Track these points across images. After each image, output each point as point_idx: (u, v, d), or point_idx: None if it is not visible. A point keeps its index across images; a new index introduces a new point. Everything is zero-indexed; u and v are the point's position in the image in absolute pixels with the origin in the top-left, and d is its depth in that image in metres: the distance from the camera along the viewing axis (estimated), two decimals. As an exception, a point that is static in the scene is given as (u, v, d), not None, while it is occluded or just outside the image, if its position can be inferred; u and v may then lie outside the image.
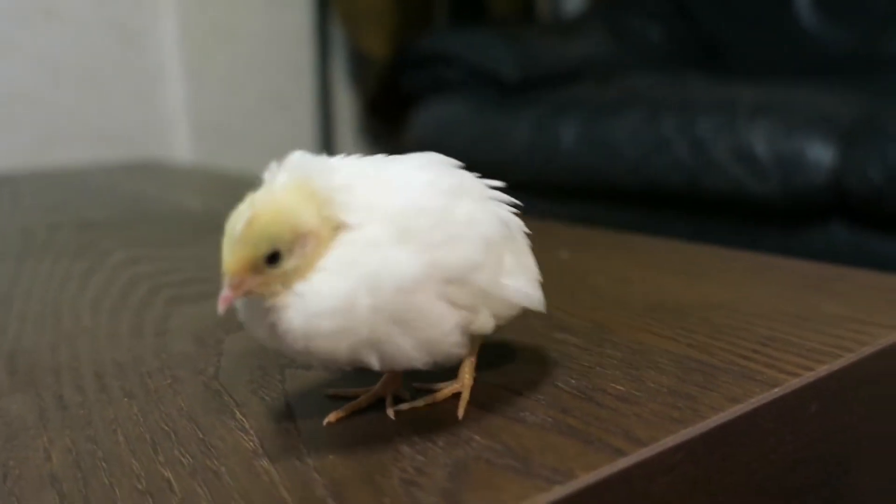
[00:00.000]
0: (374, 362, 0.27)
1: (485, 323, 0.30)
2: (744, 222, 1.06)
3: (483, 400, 0.32)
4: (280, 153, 0.30)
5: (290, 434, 0.30)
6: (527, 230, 0.33)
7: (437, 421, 0.30)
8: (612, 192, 1.17)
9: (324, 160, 0.29)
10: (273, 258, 0.26)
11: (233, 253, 0.26)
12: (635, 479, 0.27)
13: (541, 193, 1.26)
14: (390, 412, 0.30)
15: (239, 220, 0.26)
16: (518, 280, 0.31)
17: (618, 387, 0.32)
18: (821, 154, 0.98)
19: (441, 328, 0.28)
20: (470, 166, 0.33)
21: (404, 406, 0.31)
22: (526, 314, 0.32)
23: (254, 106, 1.72)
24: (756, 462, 0.31)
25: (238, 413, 0.32)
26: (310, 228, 0.26)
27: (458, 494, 0.25)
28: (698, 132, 1.09)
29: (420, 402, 0.31)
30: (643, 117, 1.15)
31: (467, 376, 0.32)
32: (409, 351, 0.27)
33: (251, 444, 0.29)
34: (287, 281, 0.26)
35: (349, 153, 0.31)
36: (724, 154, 1.05)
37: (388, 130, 1.73)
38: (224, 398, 0.33)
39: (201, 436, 0.30)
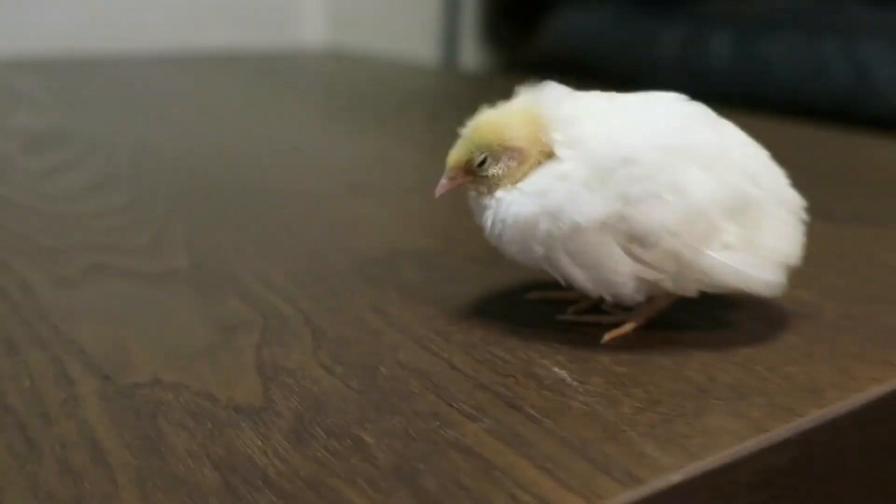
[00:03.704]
0: (557, 277, 0.30)
1: (679, 286, 0.30)
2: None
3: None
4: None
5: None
6: (804, 213, 0.31)
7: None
8: (764, 110, 1.16)
9: (568, 94, 0.31)
10: (482, 163, 0.30)
11: (454, 152, 0.31)
12: None
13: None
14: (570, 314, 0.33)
15: (467, 127, 0.31)
16: (735, 257, 0.29)
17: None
18: None
19: (615, 273, 0.29)
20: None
21: (569, 316, 0.33)
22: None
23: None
24: None
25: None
26: (517, 146, 0.30)
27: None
28: (860, 56, 1.06)
29: (588, 318, 0.32)
30: (801, 38, 1.13)
31: (639, 317, 0.32)
32: (581, 281, 0.30)
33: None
34: (491, 185, 0.30)
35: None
36: (888, 80, 1.03)
37: (518, 35, 1.71)
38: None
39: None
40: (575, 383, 0.28)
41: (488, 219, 0.30)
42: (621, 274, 0.29)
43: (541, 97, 0.31)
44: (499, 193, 0.30)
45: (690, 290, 0.30)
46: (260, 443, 0.25)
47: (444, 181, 0.31)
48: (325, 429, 0.25)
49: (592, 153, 0.29)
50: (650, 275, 0.29)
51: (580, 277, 0.29)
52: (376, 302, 0.35)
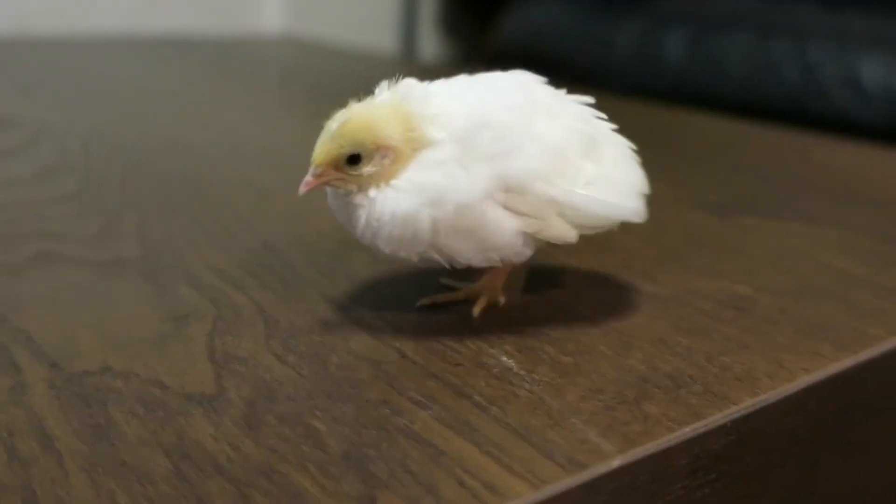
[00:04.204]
0: (439, 260, 0.31)
1: (561, 231, 0.31)
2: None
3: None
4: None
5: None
6: (632, 145, 0.34)
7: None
8: (717, 108, 1.19)
9: (425, 88, 0.31)
10: (353, 160, 0.29)
11: (322, 147, 0.30)
12: None
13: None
14: (476, 310, 0.33)
15: (334, 122, 0.30)
16: (602, 190, 0.31)
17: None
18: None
19: (501, 235, 0.30)
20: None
21: (426, 301, 0.34)
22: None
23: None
24: None
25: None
26: (391, 144, 0.29)
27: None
28: (808, 57, 1.09)
29: (440, 298, 0.34)
30: (754, 38, 1.16)
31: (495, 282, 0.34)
32: (469, 256, 0.30)
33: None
34: (362, 184, 0.30)
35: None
36: (834, 82, 1.06)
37: (477, 26, 1.72)
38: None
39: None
40: (522, 372, 0.29)
41: (360, 218, 0.30)
42: (507, 234, 0.30)
43: (407, 93, 0.31)
44: (371, 192, 0.30)
45: (572, 234, 0.32)
46: (211, 430, 0.25)
47: (309, 178, 0.30)
48: (276, 416, 0.26)
49: (457, 132, 0.30)
50: (533, 226, 0.31)
51: (468, 252, 0.30)
52: (328, 292, 0.35)
